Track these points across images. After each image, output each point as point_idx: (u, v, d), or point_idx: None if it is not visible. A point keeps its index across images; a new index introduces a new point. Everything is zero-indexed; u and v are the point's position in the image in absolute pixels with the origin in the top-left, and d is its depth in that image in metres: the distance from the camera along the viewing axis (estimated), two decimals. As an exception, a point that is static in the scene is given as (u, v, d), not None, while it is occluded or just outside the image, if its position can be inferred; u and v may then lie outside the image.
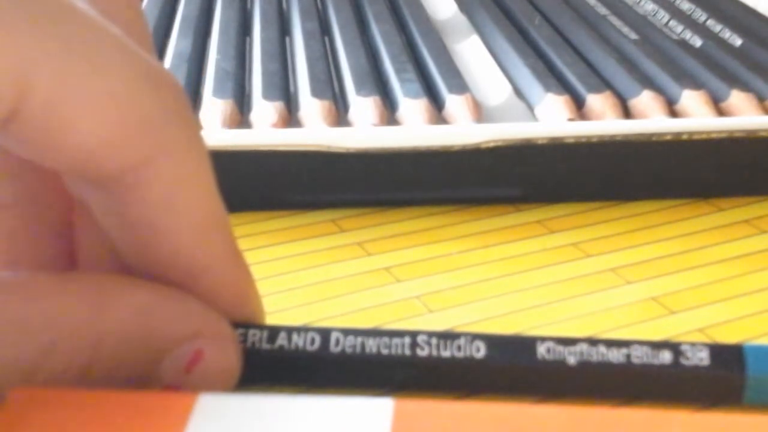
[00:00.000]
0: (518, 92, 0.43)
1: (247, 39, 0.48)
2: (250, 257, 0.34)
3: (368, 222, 0.36)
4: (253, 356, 0.21)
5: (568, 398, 0.21)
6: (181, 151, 0.20)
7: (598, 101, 0.41)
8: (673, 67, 0.44)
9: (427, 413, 0.17)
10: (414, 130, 0.37)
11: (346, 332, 0.21)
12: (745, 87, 0.42)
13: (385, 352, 0.21)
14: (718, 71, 0.44)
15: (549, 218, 0.36)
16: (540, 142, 0.35)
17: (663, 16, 0.52)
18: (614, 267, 0.33)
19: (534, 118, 0.41)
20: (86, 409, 0.17)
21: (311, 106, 0.39)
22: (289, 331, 0.22)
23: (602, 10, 0.53)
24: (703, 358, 0.21)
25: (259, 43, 0.46)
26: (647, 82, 0.42)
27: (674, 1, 0.54)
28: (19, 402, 0.18)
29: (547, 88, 0.41)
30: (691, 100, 0.41)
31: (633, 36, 0.49)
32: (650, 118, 0.40)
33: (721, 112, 0.41)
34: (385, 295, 0.31)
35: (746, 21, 0.51)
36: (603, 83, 0.42)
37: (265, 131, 0.37)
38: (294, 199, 0.36)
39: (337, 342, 0.21)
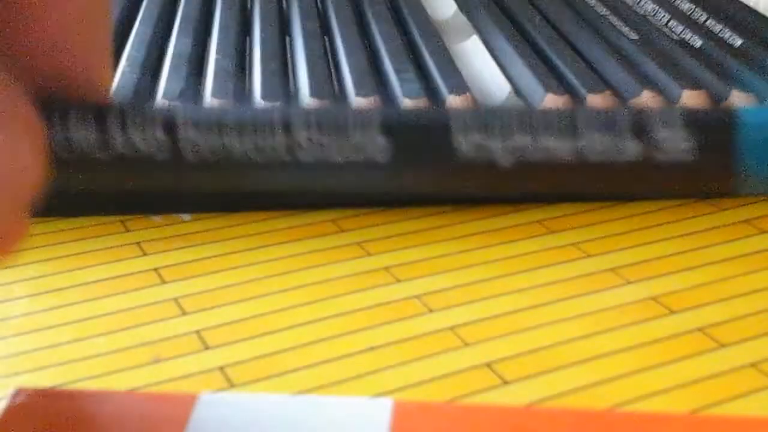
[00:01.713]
0: (518, 92, 0.43)
1: (247, 39, 0.48)
2: (250, 257, 0.34)
3: (368, 222, 0.36)
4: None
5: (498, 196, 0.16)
6: None
7: (598, 101, 0.41)
8: (673, 67, 0.44)
9: (427, 413, 0.17)
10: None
11: (202, 128, 0.16)
12: (744, 87, 0.42)
13: (255, 156, 0.15)
14: (718, 71, 0.44)
15: (549, 218, 0.36)
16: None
17: (663, 16, 0.52)
18: (614, 267, 0.33)
19: (534, 118, 0.40)
20: (86, 409, 0.17)
21: (311, 106, 0.39)
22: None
23: (602, 10, 0.53)
24: (682, 147, 0.16)
25: (259, 43, 0.46)
26: (647, 82, 0.42)
27: (674, 1, 0.54)
28: (19, 402, 0.18)
29: (547, 88, 0.41)
30: (691, 100, 0.41)
31: (633, 36, 0.49)
32: (650, 118, 0.40)
33: (721, 112, 0.41)
34: (385, 295, 0.31)
35: (746, 21, 0.51)
36: (603, 83, 0.42)
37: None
38: (294, 199, 0.36)
39: (195, 145, 0.15)
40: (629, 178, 0.16)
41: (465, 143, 0.15)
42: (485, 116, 0.15)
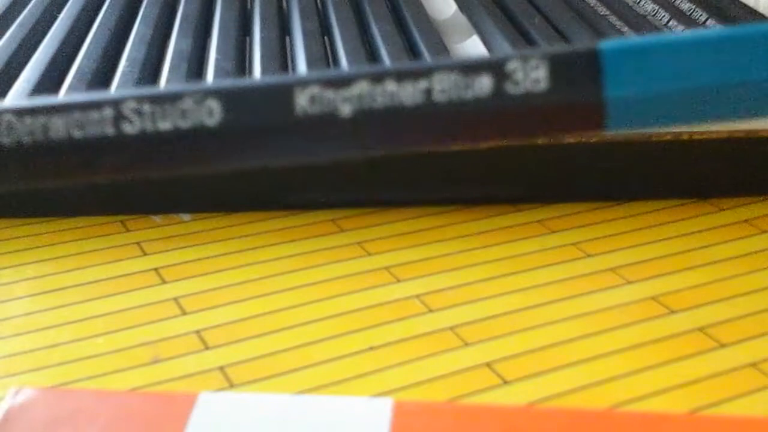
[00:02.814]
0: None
1: (247, 39, 0.48)
2: (250, 257, 0.34)
3: (368, 222, 0.36)
4: None
5: (341, 157, 0.15)
6: None
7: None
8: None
9: (426, 413, 0.17)
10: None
11: (20, 112, 0.14)
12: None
13: (78, 134, 0.14)
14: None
15: (549, 218, 0.36)
16: (540, 142, 0.35)
17: (663, 16, 0.52)
18: (614, 267, 0.33)
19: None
20: (86, 409, 0.17)
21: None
22: None
23: (602, 10, 0.53)
24: (539, 79, 0.14)
25: (259, 44, 0.46)
26: (647, 82, 0.42)
27: (674, 2, 0.54)
28: (19, 402, 0.18)
29: (547, 88, 0.41)
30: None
31: (633, 36, 0.49)
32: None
33: (721, 112, 0.41)
34: (385, 294, 0.31)
35: (746, 21, 0.51)
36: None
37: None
38: (294, 199, 0.36)
39: (10, 128, 0.14)
40: (483, 119, 0.13)
41: (302, 97, 0.13)
42: (330, 74, 0.14)
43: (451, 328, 0.29)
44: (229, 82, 0.14)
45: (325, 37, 0.48)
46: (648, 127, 0.13)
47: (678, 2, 0.54)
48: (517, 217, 0.36)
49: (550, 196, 0.37)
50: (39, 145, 0.14)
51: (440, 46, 0.47)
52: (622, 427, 0.17)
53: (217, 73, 0.42)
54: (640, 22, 0.51)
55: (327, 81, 0.14)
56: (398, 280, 0.32)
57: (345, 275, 0.32)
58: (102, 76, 0.42)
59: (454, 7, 0.54)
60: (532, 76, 0.13)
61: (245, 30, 0.49)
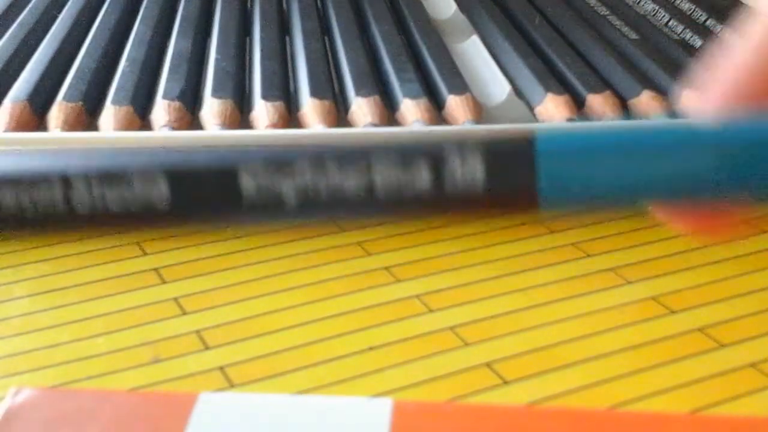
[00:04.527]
0: (518, 92, 0.43)
1: (247, 39, 0.48)
2: (250, 257, 0.34)
3: (368, 222, 0.36)
4: None
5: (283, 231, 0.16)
6: None
7: (598, 101, 0.41)
8: (673, 67, 0.44)
9: (426, 413, 0.17)
10: (414, 130, 0.37)
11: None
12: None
13: (28, 208, 0.14)
14: (718, 71, 0.44)
15: (549, 218, 0.36)
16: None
17: (663, 16, 0.52)
18: (614, 267, 0.33)
19: (534, 118, 0.40)
20: (86, 408, 0.17)
21: (311, 106, 0.39)
22: None
23: (602, 10, 0.53)
24: (475, 172, 0.14)
25: (259, 43, 0.46)
26: (647, 82, 0.42)
27: (674, 1, 0.54)
28: (19, 401, 0.18)
29: (547, 88, 0.41)
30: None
31: (633, 36, 0.49)
32: (650, 118, 0.40)
33: (721, 112, 0.41)
34: (385, 294, 0.31)
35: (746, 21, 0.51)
36: (603, 83, 0.42)
37: (264, 131, 0.37)
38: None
39: None
40: (422, 208, 0.14)
41: (251, 185, 0.13)
42: (273, 155, 0.14)
43: (451, 328, 0.29)
44: (177, 157, 0.13)
45: (325, 37, 0.48)
46: (582, 210, 0.14)
47: (678, 2, 0.54)
48: (517, 218, 0.36)
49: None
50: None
51: (440, 46, 0.47)
52: (622, 427, 0.17)
53: (217, 73, 0.42)
54: (640, 22, 0.51)
55: (271, 162, 0.14)
56: (398, 280, 0.32)
57: (345, 275, 0.32)
58: (102, 75, 0.42)
59: (454, 7, 0.53)
60: (469, 167, 0.13)
61: (245, 30, 0.49)
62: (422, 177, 0.13)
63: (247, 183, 0.13)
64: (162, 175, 0.13)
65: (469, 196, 0.13)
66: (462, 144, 0.14)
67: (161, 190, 0.13)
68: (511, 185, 0.13)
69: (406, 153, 0.14)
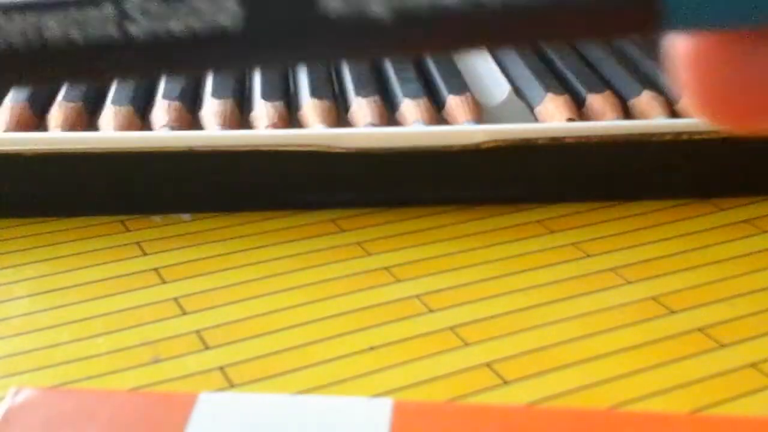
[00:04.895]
0: (518, 92, 0.43)
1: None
2: (250, 257, 0.34)
3: (368, 222, 0.36)
4: None
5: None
6: None
7: (598, 101, 0.41)
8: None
9: (427, 413, 0.17)
10: (414, 130, 0.37)
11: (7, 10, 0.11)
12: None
13: (76, 35, 0.11)
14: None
15: (549, 218, 0.36)
16: (540, 142, 0.35)
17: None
18: (614, 267, 0.33)
19: (534, 118, 0.41)
20: (86, 408, 0.17)
21: (311, 106, 0.39)
22: None
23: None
24: None
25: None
26: (647, 82, 0.42)
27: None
28: (19, 401, 0.18)
29: (547, 88, 0.41)
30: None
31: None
32: (650, 118, 0.40)
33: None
34: (385, 294, 0.31)
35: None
36: (603, 83, 0.42)
37: (264, 131, 0.37)
38: (294, 199, 0.36)
39: None
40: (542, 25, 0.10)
41: None
42: None
43: (452, 328, 0.29)
44: None
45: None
46: (717, 23, 0.10)
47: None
48: (517, 217, 0.36)
49: (550, 196, 0.37)
50: (33, 47, 0.11)
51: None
52: (622, 427, 0.17)
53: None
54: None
55: None
56: (398, 280, 0.32)
57: (345, 275, 0.32)
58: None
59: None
60: None
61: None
62: None
63: None
64: None
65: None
66: None
67: (228, 5, 0.11)
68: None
69: None
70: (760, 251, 0.33)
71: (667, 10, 0.10)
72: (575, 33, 0.11)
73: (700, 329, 0.28)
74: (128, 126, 0.38)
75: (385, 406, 0.18)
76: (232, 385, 0.27)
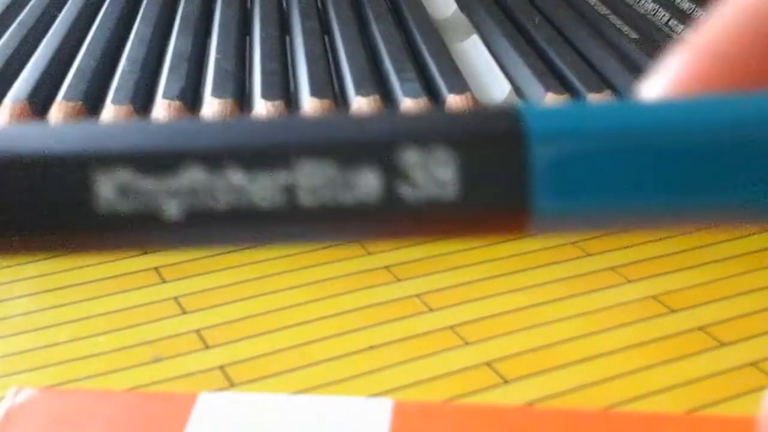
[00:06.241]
0: (518, 91, 0.43)
1: (247, 38, 0.48)
2: (250, 256, 0.34)
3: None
4: None
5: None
6: None
7: (598, 100, 0.41)
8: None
9: (427, 413, 0.17)
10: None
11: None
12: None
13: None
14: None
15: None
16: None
17: (663, 15, 0.52)
18: (614, 265, 0.33)
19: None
20: (86, 408, 0.17)
21: (311, 106, 0.39)
22: None
23: (603, 10, 0.53)
24: (445, 181, 0.09)
25: (259, 43, 0.46)
26: (647, 81, 0.42)
27: (674, 1, 0.54)
28: (20, 401, 0.18)
29: (547, 87, 0.41)
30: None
31: (633, 35, 0.49)
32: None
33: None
34: (385, 294, 0.31)
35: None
36: (603, 82, 0.42)
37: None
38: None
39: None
40: (365, 225, 0.09)
41: (106, 186, 0.09)
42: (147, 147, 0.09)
43: (452, 328, 0.29)
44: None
45: (326, 36, 0.48)
46: (583, 230, 0.10)
47: (678, 1, 0.54)
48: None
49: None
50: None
51: (440, 46, 0.47)
52: (622, 426, 0.17)
53: (217, 72, 0.42)
54: (640, 21, 0.51)
55: (142, 162, 0.09)
56: (398, 280, 0.32)
57: (345, 274, 0.32)
58: (102, 74, 0.42)
59: (454, 6, 0.53)
60: (435, 175, 0.09)
61: (245, 29, 0.49)
62: (366, 183, 0.09)
63: (105, 187, 0.09)
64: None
65: (435, 215, 0.09)
66: (427, 141, 0.09)
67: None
68: (495, 201, 0.09)
69: (344, 149, 0.09)
70: (760, 250, 0.33)
71: (537, 219, 0.09)
72: (441, 237, 0.09)
73: (700, 328, 0.28)
74: (128, 125, 0.38)
75: (385, 407, 0.18)
76: (232, 384, 0.27)
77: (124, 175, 0.09)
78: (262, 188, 0.09)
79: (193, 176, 0.09)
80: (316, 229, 0.09)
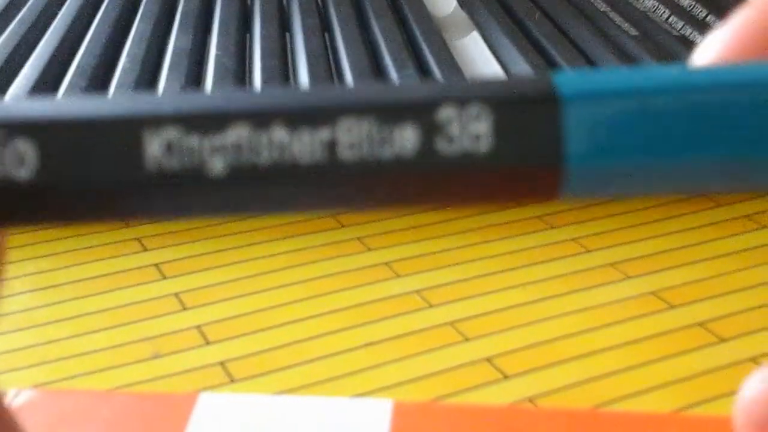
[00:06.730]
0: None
1: (247, 35, 0.48)
2: (250, 253, 0.34)
3: (368, 217, 0.36)
4: None
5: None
6: None
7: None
8: (673, 63, 0.44)
9: (426, 413, 0.17)
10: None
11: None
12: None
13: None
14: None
15: (549, 214, 0.36)
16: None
17: (663, 12, 0.52)
18: (614, 262, 0.33)
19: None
20: (86, 408, 0.17)
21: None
22: None
23: (602, 6, 0.53)
24: (479, 134, 0.09)
25: (259, 40, 0.46)
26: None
27: (674, -5, 0.54)
28: (19, 402, 0.18)
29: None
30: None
31: (633, 32, 0.49)
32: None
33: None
34: (385, 290, 0.31)
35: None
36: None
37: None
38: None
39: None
40: (401, 179, 0.09)
41: (155, 143, 0.09)
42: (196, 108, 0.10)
43: (451, 324, 0.30)
44: (49, 112, 0.09)
45: (326, 34, 0.48)
46: (615, 193, 0.10)
47: (678, -4, 0.54)
48: (517, 213, 0.36)
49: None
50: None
51: (440, 43, 0.47)
52: (622, 426, 0.17)
53: (218, 69, 0.42)
54: (640, 18, 0.51)
55: (189, 121, 0.09)
56: (398, 276, 0.32)
57: (345, 271, 0.32)
58: (102, 72, 0.42)
59: (454, 3, 0.53)
60: (470, 129, 0.09)
61: (246, 26, 0.49)
62: (404, 138, 0.09)
63: (153, 144, 0.09)
64: (24, 132, 0.09)
65: (469, 169, 0.09)
66: (463, 98, 0.09)
67: (24, 153, 0.09)
68: (528, 155, 0.09)
69: (383, 106, 0.09)
70: (759, 246, 0.33)
71: (570, 179, 0.09)
72: (455, 199, 0.10)
73: (699, 324, 0.28)
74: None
75: (385, 407, 0.18)
76: (232, 380, 0.27)
77: (171, 133, 0.09)
78: (303, 144, 0.09)
79: (239, 133, 0.09)
80: (354, 184, 0.09)
